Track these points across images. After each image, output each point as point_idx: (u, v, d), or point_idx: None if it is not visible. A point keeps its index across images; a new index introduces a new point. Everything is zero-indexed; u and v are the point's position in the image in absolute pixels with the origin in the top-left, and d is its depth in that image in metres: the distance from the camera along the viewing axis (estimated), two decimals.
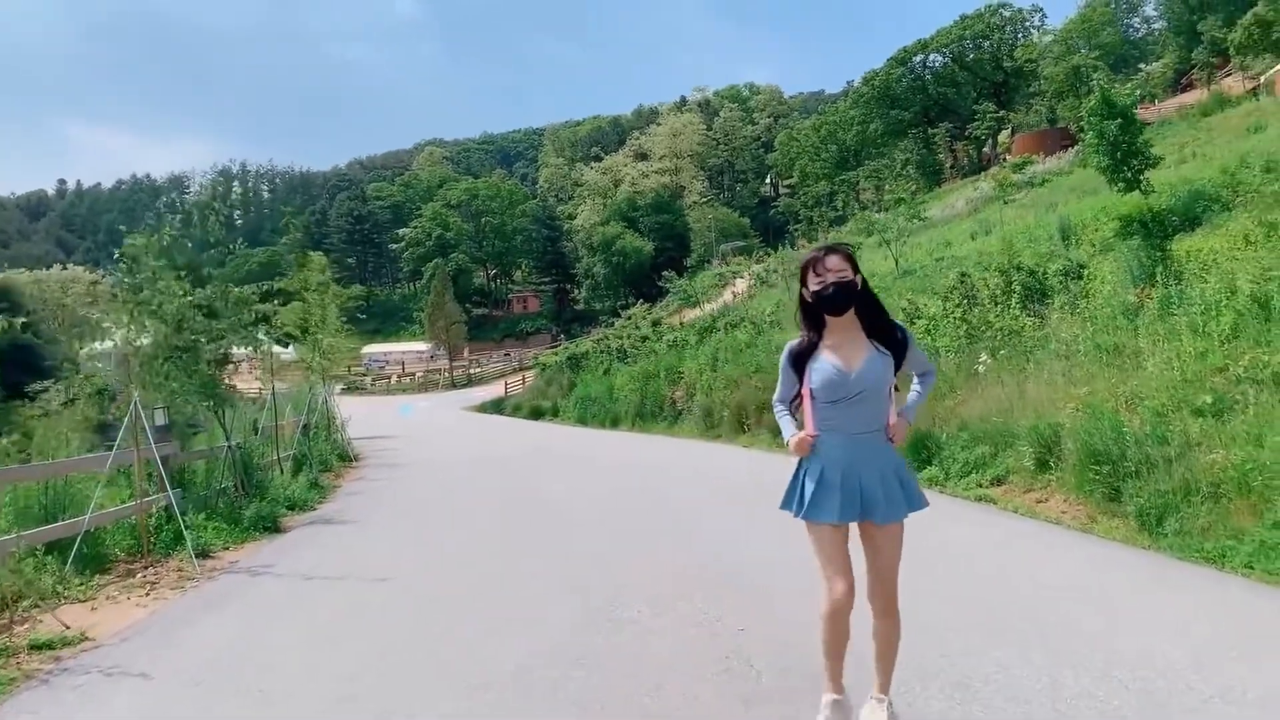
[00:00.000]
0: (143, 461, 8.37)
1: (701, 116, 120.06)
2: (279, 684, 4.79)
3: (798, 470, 3.92)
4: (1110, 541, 7.76)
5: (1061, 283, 15.23)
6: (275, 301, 11.64)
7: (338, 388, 64.29)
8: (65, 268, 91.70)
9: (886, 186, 65.30)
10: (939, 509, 10.90)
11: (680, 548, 7.88)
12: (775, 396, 4.05)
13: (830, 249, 3.77)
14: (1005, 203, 41.77)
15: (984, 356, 13.79)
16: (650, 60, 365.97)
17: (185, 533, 8.23)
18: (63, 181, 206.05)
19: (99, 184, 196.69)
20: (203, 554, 8.51)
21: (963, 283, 17.18)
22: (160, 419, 9.35)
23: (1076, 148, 50.19)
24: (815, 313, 3.76)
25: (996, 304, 15.58)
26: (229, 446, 10.59)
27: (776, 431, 17.34)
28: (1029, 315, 14.60)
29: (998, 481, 11.03)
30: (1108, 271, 15.45)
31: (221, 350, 10.32)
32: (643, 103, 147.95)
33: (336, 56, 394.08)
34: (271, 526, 10.03)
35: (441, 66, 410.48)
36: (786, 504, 3.96)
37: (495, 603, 6.17)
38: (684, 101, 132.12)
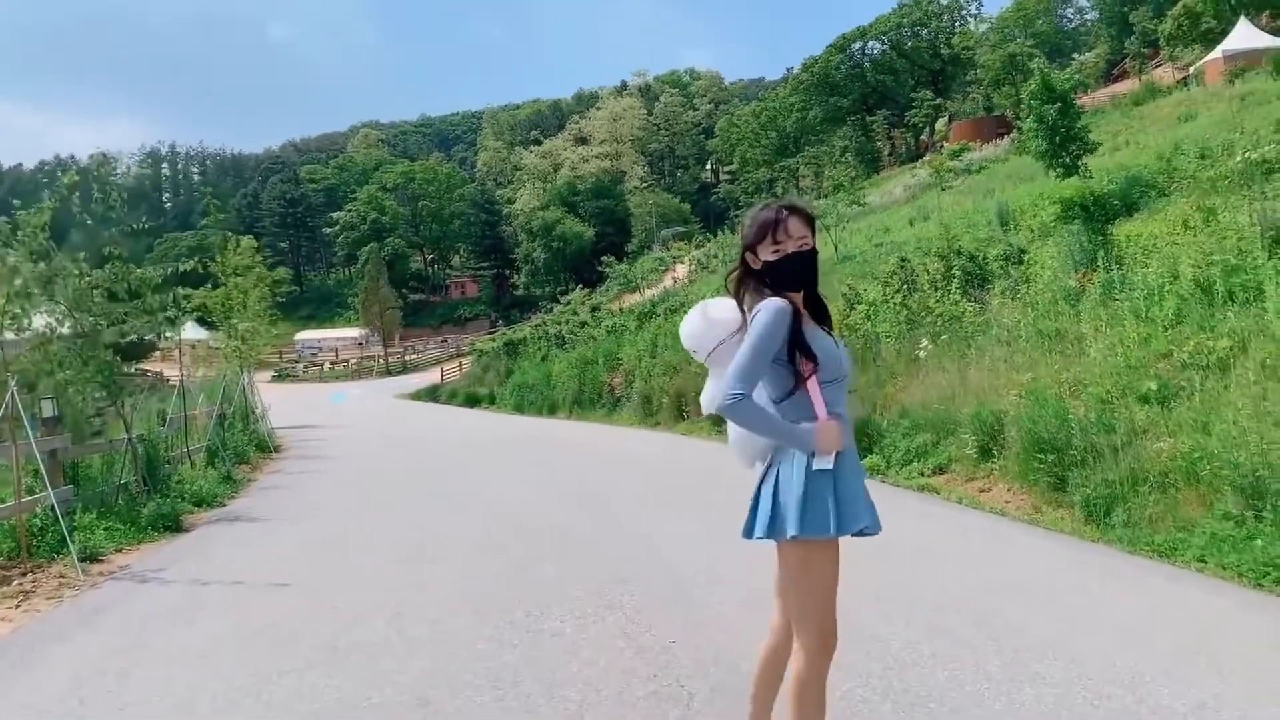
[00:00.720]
0: (22, 457, 7.63)
1: (642, 101, 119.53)
2: (141, 716, 4.20)
3: (815, 476, 2.88)
4: (1058, 534, 7.47)
5: (1002, 268, 15.05)
6: (184, 285, 10.82)
7: (265, 375, 62.88)
8: None
9: (826, 173, 65.41)
10: (880, 500, 10.57)
11: (614, 547, 7.37)
12: (745, 386, 2.82)
13: (793, 208, 3.02)
14: (943, 189, 42.08)
15: (925, 342, 13.55)
16: (590, 43, 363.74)
17: (68, 535, 7.52)
18: None
19: (20, 164, 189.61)
20: (90, 557, 7.78)
21: (902, 268, 16.96)
22: (48, 410, 8.61)
23: (1013, 135, 50.68)
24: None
25: (936, 289, 15.36)
26: (129, 439, 9.82)
27: (716, 419, 16.91)
28: (969, 301, 14.39)
29: (940, 470, 10.76)
30: (1048, 256, 15.32)
31: (126, 336, 9.55)
32: (582, 86, 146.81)
33: (272, 37, 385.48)
34: (173, 525, 9.27)
35: (378, 48, 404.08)
36: (815, 527, 2.87)
37: (403, 612, 5.59)
38: (624, 86, 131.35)
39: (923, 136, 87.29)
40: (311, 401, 40.29)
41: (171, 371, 39.72)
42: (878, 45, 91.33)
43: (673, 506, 9.76)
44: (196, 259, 10.40)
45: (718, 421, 16.87)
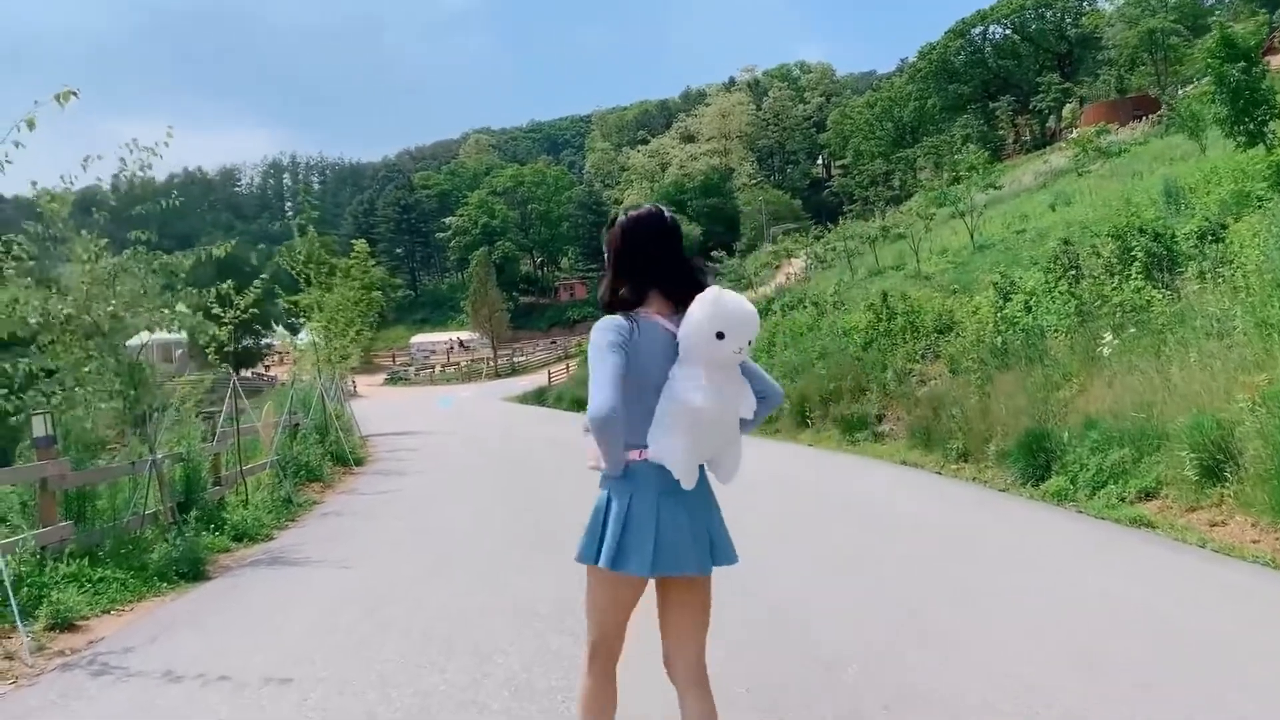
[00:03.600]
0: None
1: (750, 96, 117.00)
2: None
3: None
4: None
5: (1196, 248, 12.64)
6: (228, 282, 9.35)
7: (378, 378, 62.91)
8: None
9: (953, 157, 61.95)
10: (1079, 538, 7.90)
11: (751, 627, 5.29)
12: None
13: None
14: (1080, 174, 39.13)
15: (1108, 336, 11.30)
16: (697, 42, 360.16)
17: (10, 596, 5.72)
18: (116, 175, 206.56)
19: (152, 177, 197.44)
20: (61, 624, 6.05)
21: (1066, 251, 14.66)
22: (39, 428, 7.09)
23: (1158, 114, 46.98)
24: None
25: (1112, 274, 13.06)
26: (152, 461, 8.18)
27: (846, 426, 14.61)
28: (1156, 287, 12.07)
29: (1147, 495, 8.59)
30: (1248, 233, 12.87)
31: (146, 330, 8.00)
32: (690, 85, 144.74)
33: (390, 48, 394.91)
34: (191, 572, 7.51)
35: (491, 56, 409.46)
36: None
37: None
38: (732, 82, 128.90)
39: (1048, 123, 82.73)
40: (419, 405, 39.53)
41: (282, 375, 39.44)
42: (999, 29, 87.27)
43: (813, 552, 7.79)
44: (227, 241, 8.79)
45: (850, 429, 14.85)
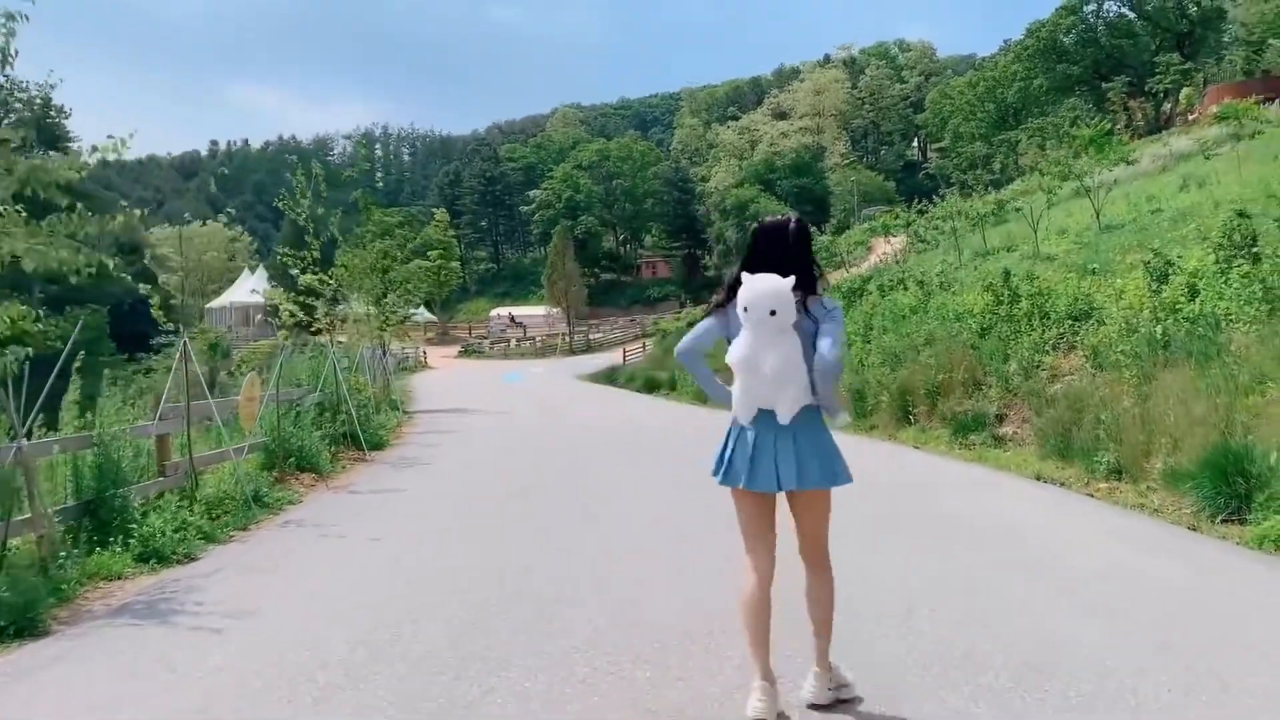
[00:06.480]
0: None
1: (847, 74, 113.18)
2: None
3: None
4: None
5: None
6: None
7: (452, 350, 61.80)
8: (205, 224, 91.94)
9: (1065, 132, 57.86)
10: None
11: None
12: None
13: None
14: (1206, 157, 35.82)
15: None
16: (792, 20, 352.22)
17: None
18: (214, 142, 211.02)
19: (247, 143, 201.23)
20: None
21: (1239, 226, 12.06)
22: None
23: None
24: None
25: None
26: (17, 448, 5.96)
27: (959, 426, 12.14)
28: None
29: None
30: None
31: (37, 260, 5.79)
32: (784, 62, 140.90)
33: (493, 19, 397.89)
34: (15, 625, 5.18)
35: (584, 31, 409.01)
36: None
37: None
38: (827, 60, 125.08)
39: (1163, 106, 77.65)
40: (485, 379, 37.97)
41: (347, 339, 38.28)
42: (1114, 6, 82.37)
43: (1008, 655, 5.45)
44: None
45: (963, 429, 12.49)
